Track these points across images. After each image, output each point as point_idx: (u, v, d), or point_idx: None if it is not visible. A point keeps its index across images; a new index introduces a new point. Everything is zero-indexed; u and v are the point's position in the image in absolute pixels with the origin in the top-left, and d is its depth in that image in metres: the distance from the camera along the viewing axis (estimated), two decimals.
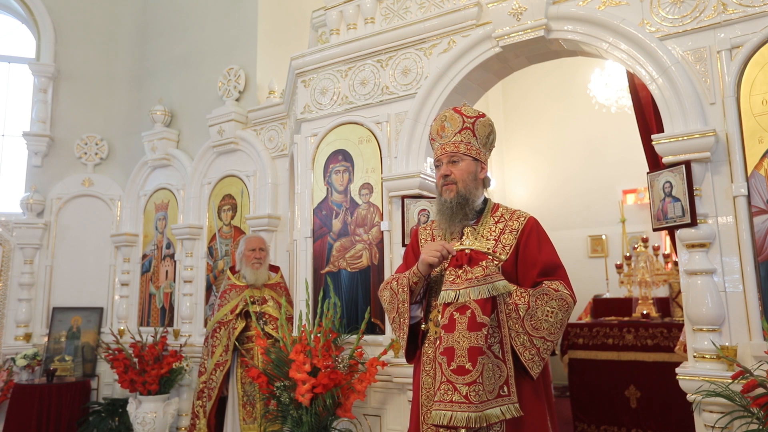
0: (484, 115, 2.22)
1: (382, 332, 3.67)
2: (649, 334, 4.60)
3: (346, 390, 3.24)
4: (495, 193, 8.25)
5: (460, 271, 1.95)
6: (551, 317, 1.96)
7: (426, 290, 2.17)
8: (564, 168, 8.07)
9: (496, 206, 2.23)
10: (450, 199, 2.14)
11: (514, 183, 8.66)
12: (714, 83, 2.84)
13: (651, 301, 5.16)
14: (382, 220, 3.79)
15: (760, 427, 2.27)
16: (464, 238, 2.02)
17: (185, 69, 6.10)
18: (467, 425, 1.80)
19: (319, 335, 3.32)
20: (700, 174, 2.80)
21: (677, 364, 2.88)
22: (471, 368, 1.84)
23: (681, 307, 4.08)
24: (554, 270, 2.07)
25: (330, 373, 3.17)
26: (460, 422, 1.80)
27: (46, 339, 5.77)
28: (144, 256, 5.98)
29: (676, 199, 2.82)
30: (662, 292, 5.36)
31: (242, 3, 5.74)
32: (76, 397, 5.34)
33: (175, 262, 5.64)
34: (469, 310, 1.90)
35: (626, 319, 5.05)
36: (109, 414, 5.40)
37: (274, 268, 4.53)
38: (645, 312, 5.06)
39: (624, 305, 5.43)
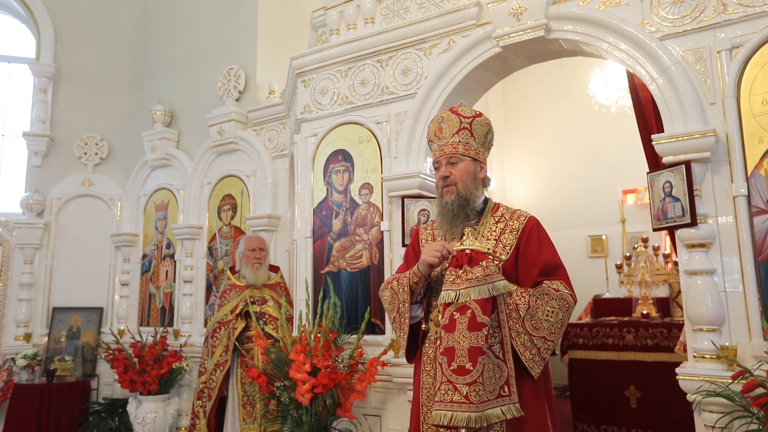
0: (481, 115, 2.22)
1: (382, 332, 3.67)
2: (649, 334, 4.60)
3: (346, 390, 3.24)
4: (495, 193, 8.25)
5: (461, 271, 1.95)
6: (552, 317, 1.96)
7: (426, 290, 2.17)
8: (564, 168, 8.08)
9: (497, 206, 2.23)
10: (451, 201, 2.14)
11: (514, 183, 8.66)
12: (714, 83, 2.84)
13: (651, 301, 5.16)
14: (382, 220, 3.79)
15: (760, 427, 2.27)
16: (464, 238, 2.03)
17: (185, 69, 6.10)
18: (467, 425, 1.80)
19: (319, 335, 3.32)
20: (700, 174, 2.80)
21: (677, 364, 2.88)
22: (471, 368, 1.84)
23: (681, 307, 4.08)
24: (554, 270, 2.07)
25: (330, 373, 3.17)
26: (461, 422, 1.80)
27: (46, 339, 5.77)
28: (144, 256, 5.98)
29: (676, 199, 2.82)
30: (662, 292, 5.36)
31: (242, 3, 5.74)
32: (76, 397, 5.34)
33: (175, 262, 5.64)
34: (470, 310, 1.90)
35: (626, 319, 5.05)
36: (109, 414, 5.40)
37: (274, 268, 4.53)
38: (645, 312, 5.06)
39: (624, 305, 5.43)
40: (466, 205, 2.13)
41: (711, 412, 2.60)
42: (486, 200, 2.24)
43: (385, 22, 4.04)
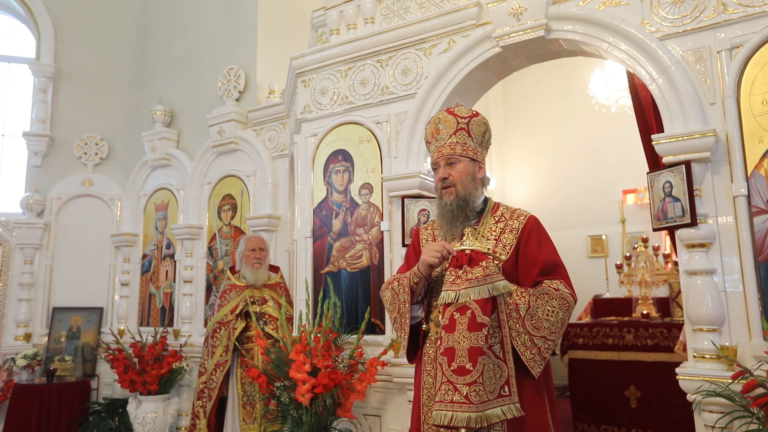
0: (477, 114, 2.21)
1: (382, 332, 3.67)
2: (649, 334, 4.60)
3: (346, 390, 3.24)
4: (495, 193, 8.25)
5: (461, 271, 1.95)
6: (552, 316, 1.96)
7: (427, 290, 2.17)
8: (564, 168, 8.08)
9: (497, 205, 2.23)
10: (450, 202, 2.13)
11: (514, 183, 8.66)
12: (714, 83, 2.84)
13: (651, 301, 5.16)
14: (382, 220, 3.79)
15: (760, 427, 2.27)
16: (464, 238, 2.02)
17: (185, 69, 6.10)
18: (468, 425, 1.80)
19: (319, 335, 3.32)
20: (700, 174, 2.80)
21: (677, 364, 2.88)
22: (471, 368, 1.84)
23: (681, 307, 4.08)
24: (555, 269, 2.07)
25: (330, 373, 3.17)
26: (461, 422, 1.80)
27: (46, 339, 5.77)
28: (144, 256, 5.98)
29: (676, 199, 2.82)
30: (662, 292, 5.36)
31: (242, 3, 5.74)
32: (76, 397, 5.34)
33: (175, 262, 5.64)
34: (470, 311, 1.90)
35: (626, 319, 5.05)
36: (109, 414, 5.40)
37: (274, 268, 4.53)
38: (645, 312, 5.06)
39: (624, 305, 5.43)
40: (465, 206, 2.13)
41: (711, 412, 2.60)
42: (486, 200, 2.24)
43: (385, 22, 4.04)
